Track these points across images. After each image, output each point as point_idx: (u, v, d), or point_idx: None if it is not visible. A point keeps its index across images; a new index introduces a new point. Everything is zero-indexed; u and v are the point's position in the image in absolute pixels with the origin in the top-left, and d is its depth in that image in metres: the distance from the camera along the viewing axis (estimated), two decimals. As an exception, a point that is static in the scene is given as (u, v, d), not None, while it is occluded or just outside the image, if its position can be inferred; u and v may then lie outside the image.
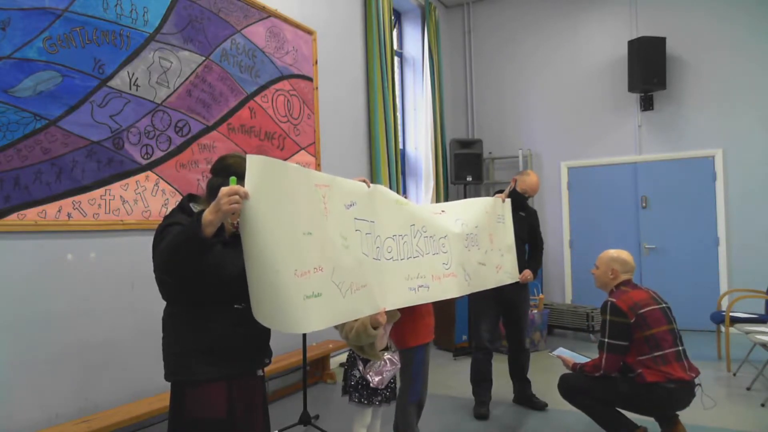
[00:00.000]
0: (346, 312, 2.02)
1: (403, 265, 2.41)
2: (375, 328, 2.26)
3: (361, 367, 2.49)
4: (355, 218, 2.15)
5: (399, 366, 2.53)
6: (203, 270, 1.69)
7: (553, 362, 5.00)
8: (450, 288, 2.66)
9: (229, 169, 1.75)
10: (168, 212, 1.89)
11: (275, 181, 1.67)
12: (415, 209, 2.60)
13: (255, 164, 1.59)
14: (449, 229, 2.79)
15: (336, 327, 2.36)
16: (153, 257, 1.73)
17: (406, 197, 2.78)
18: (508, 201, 3.55)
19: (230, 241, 1.84)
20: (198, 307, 1.80)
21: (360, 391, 2.49)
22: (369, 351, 2.39)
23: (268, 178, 1.63)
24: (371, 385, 2.45)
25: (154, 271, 1.75)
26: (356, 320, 2.27)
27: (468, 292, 2.90)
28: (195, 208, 1.85)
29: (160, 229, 1.76)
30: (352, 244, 2.09)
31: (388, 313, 2.41)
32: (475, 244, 3.02)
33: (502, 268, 3.31)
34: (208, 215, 1.53)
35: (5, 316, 2.57)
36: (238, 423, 1.85)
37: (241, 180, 1.57)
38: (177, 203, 1.92)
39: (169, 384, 1.88)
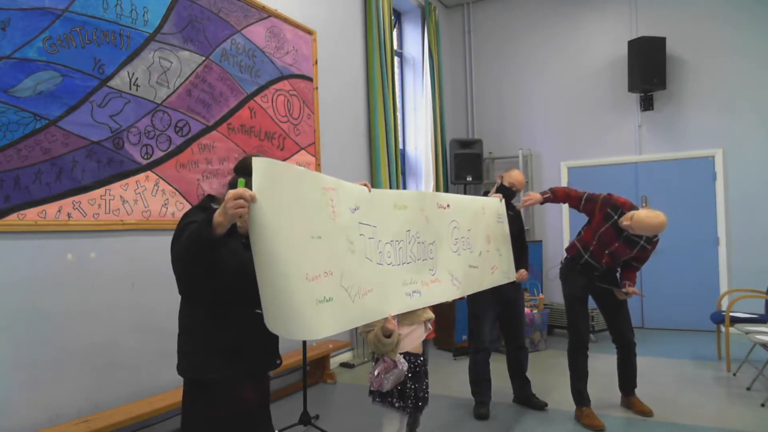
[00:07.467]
0: (356, 317, 2.01)
1: (400, 270, 2.41)
2: (388, 336, 2.23)
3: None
4: (360, 222, 2.13)
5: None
6: (222, 269, 1.71)
7: (553, 362, 5.00)
8: (437, 293, 2.65)
9: (249, 169, 1.63)
10: (186, 211, 1.90)
11: (282, 184, 1.65)
12: (411, 214, 2.56)
13: (261, 166, 1.58)
14: (440, 234, 2.78)
15: (362, 334, 2.38)
16: (171, 250, 1.77)
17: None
18: (504, 201, 3.57)
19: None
20: (215, 307, 1.80)
21: (382, 394, 2.37)
22: (393, 356, 2.33)
23: (275, 181, 1.62)
24: (371, 387, 2.38)
25: (172, 263, 1.79)
26: (372, 331, 2.27)
27: (459, 296, 2.90)
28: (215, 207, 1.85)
29: (181, 227, 1.78)
30: (358, 248, 2.08)
31: (420, 311, 2.42)
32: (466, 247, 3.00)
33: (498, 269, 3.30)
34: (218, 216, 1.54)
35: (5, 316, 2.57)
36: (248, 423, 1.86)
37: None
38: (199, 202, 1.96)
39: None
